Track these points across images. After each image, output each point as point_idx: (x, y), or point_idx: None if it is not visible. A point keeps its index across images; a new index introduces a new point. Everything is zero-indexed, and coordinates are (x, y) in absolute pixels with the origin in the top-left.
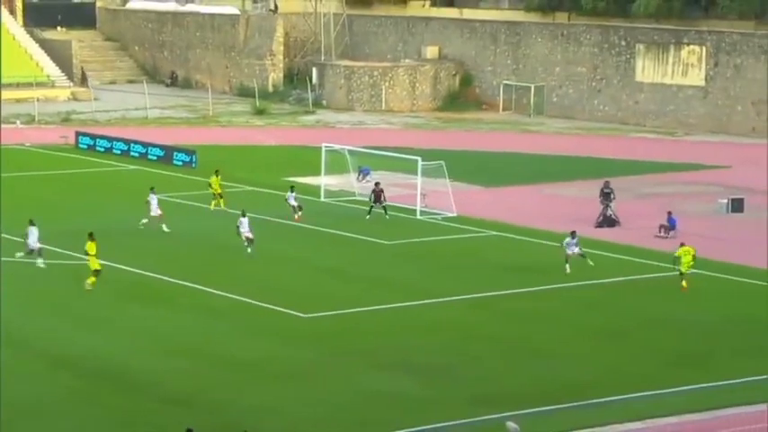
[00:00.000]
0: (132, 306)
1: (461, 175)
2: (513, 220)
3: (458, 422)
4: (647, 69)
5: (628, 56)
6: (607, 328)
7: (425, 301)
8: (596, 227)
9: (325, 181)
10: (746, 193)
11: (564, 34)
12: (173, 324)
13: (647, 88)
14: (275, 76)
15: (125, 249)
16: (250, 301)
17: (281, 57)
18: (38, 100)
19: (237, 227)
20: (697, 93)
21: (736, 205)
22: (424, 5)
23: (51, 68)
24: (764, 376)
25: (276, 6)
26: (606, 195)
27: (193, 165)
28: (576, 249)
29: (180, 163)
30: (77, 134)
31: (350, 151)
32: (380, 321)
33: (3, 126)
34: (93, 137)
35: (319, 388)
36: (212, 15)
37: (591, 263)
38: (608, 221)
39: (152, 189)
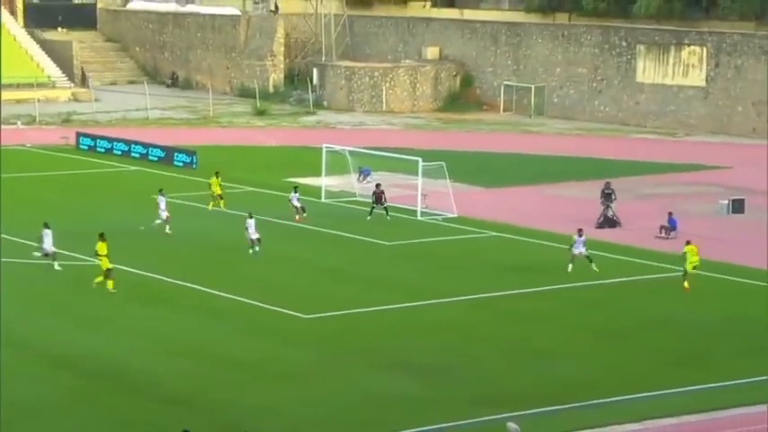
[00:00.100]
0: (133, 306)
1: (462, 175)
2: (514, 220)
3: (458, 423)
4: (647, 70)
5: (628, 56)
6: (607, 328)
7: (426, 302)
8: (597, 227)
9: (325, 182)
10: (747, 194)
11: (564, 35)
12: (173, 324)
13: (648, 89)
14: (276, 76)
15: (125, 250)
16: (251, 301)
17: (281, 57)
18: (38, 101)
19: (246, 228)
20: (698, 93)
21: (737, 206)
22: (424, 6)
23: (52, 69)
24: (765, 377)
25: (277, 7)
26: (607, 196)
27: (194, 165)
28: (583, 250)
29: (180, 164)
30: (78, 135)
31: (350, 152)
32: (381, 322)
33: (4, 127)
34: (94, 138)
35: (320, 388)
36: (213, 16)
37: (596, 269)
38: (609, 222)
39: (160, 191)
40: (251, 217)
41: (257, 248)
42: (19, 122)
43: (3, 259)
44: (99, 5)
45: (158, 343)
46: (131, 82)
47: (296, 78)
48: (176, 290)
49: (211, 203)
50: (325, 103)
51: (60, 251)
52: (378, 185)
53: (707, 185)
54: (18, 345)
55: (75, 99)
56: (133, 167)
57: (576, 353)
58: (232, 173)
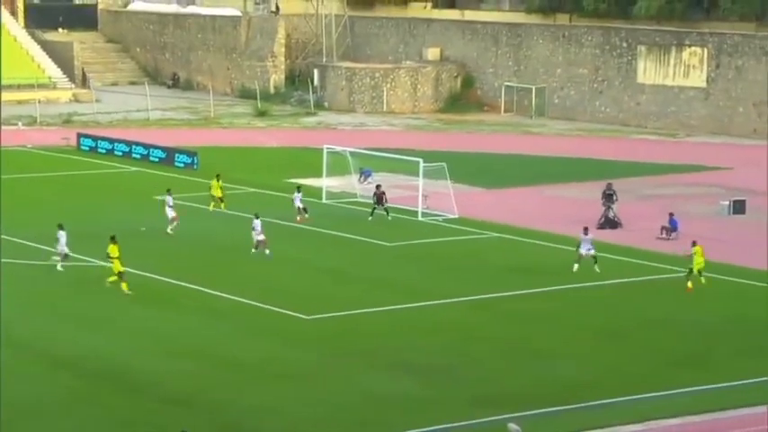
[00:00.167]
0: (134, 307)
1: (463, 176)
2: (515, 221)
3: (459, 423)
4: (648, 71)
5: (629, 57)
6: (608, 328)
7: (427, 303)
8: (598, 228)
9: (326, 182)
10: (748, 195)
11: (565, 36)
12: (174, 325)
13: (649, 90)
14: (277, 77)
15: (126, 250)
16: (252, 302)
17: (282, 58)
18: (39, 102)
19: (253, 228)
20: (698, 94)
21: (738, 207)
22: (425, 7)
23: (53, 70)
24: (767, 378)
25: (277, 8)
26: (608, 197)
27: (195, 166)
28: (591, 249)
29: (181, 164)
30: (79, 136)
31: (351, 153)
32: (382, 322)
33: (5, 128)
34: (95, 138)
35: (320, 388)
36: (214, 17)
37: (598, 270)
38: (610, 223)
39: (168, 191)
40: (257, 218)
41: (267, 251)
42: (20, 123)
43: (3, 259)
44: (100, 6)
45: (159, 343)
46: (132, 83)
47: (297, 79)
48: (177, 290)
49: (212, 204)
50: (325, 103)
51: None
52: (378, 186)
53: (708, 186)
54: (18, 345)
55: (76, 100)
56: (134, 168)
57: (576, 353)
58: (233, 174)
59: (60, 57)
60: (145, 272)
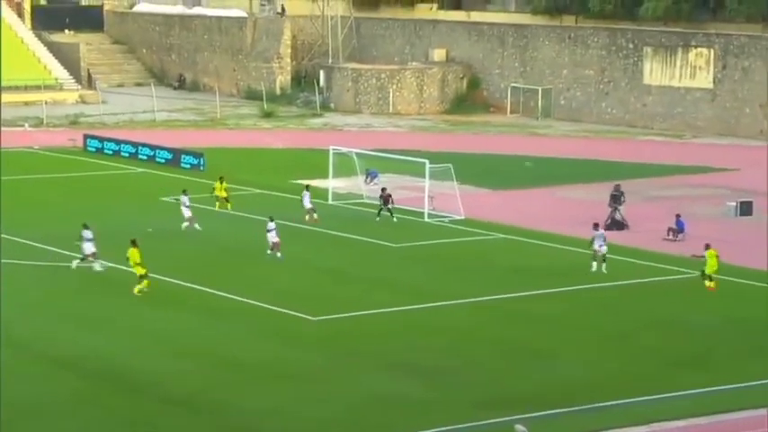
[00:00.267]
0: (136, 307)
1: (469, 177)
2: (521, 222)
3: (463, 425)
4: (654, 72)
5: (635, 58)
6: (614, 330)
7: (432, 304)
8: (605, 229)
9: (332, 184)
10: (755, 196)
11: (571, 37)
12: (178, 325)
13: (655, 91)
14: (283, 78)
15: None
16: (258, 303)
17: (288, 59)
18: (46, 103)
19: (268, 231)
20: (705, 95)
21: (745, 208)
22: (431, 8)
23: (59, 71)
24: None
25: (283, 9)
26: (615, 198)
27: (201, 167)
28: (603, 246)
29: (188, 166)
30: (85, 137)
31: (357, 154)
32: (387, 324)
33: (11, 129)
34: (101, 140)
35: (324, 390)
36: (219, 18)
37: (605, 270)
38: (616, 224)
39: (184, 191)
40: (272, 220)
41: (278, 254)
42: (26, 125)
43: (9, 260)
44: (106, 8)
45: (162, 344)
46: (138, 84)
47: (303, 80)
48: (182, 291)
49: (217, 204)
50: (332, 105)
51: (65, 252)
52: (383, 190)
53: (714, 188)
54: (18, 345)
55: (83, 101)
56: (140, 169)
57: (582, 355)
58: (239, 175)
59: (67, 58)
60: (149, 272)
